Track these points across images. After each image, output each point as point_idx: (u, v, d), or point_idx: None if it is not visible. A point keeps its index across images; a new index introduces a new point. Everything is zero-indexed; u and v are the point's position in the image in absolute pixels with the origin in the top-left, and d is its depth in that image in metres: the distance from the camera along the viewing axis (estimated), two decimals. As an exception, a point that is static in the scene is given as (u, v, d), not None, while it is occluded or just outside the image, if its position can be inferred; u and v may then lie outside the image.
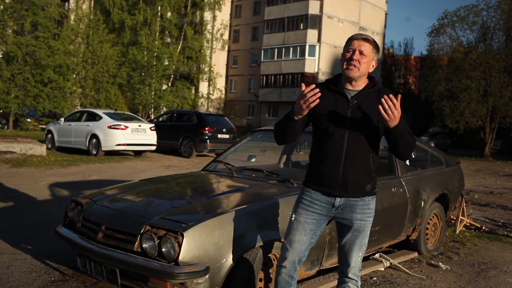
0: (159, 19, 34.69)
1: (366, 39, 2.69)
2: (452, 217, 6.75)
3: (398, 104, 2.49)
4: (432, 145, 28.23)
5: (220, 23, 38.89)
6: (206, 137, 16.52)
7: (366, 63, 2.70)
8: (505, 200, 10.55)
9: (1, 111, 25.70)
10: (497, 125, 29.84)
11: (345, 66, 2.71)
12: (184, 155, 16.89)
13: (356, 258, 2.83)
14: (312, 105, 2.57)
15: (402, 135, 2.62)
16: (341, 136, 2.70)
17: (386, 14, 51.14)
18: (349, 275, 2.85)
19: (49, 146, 16.09)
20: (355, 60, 2.66)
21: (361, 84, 2.75)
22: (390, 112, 2.49)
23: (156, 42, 32.37)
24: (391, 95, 2.51)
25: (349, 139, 2.70)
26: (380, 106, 2.49)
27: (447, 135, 38.83)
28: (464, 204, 6.64)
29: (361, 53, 2.67)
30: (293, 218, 2.85)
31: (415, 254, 5.31)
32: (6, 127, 25.74)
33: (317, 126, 2.78)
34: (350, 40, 2.73)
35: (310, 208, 2.80)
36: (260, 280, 3.42)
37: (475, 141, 34.69)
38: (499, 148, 33.80)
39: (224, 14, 43.38)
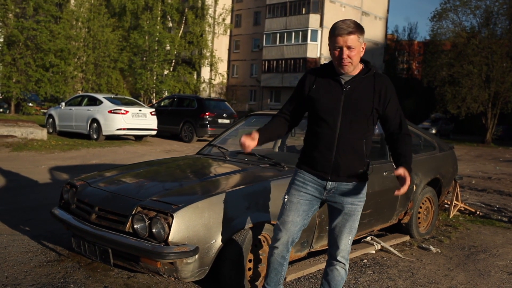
0: (160, 3, 34.53)
1: (350, 32, 2.63)
2: (446, 201, 6.82)
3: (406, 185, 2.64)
4: (433, 131, 28.02)
5: (222, 8, 38.69)
6: (207, 122, 16.59)
7: (356, 54, 2.68)
8: (502, 185, 10.60)
9: (2, 95, 25.76)
10: (499, 111, 29.77)
11: (337, 64, 2.71)
12: (185, 139, 16.97)
13: (346, 242, 2.87)
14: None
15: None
16: (334, 121, 2.73)
17: (389, -2, 50.71)
18: (338, 258, 2.88)
19: (50, 131, 16.19)
20: (346, 57, 2.66)
21: (355, 70, 2.76)
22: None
23: (158, 27, 32.28)
24: (407, 180, 2.63)
25: (342, 124, 2.72)
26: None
27: (449, 121, 38.75)
28: (459, 189, 6.71)
29: (349, 48, 2.64)
30: (286, 199, 2.89)
31: (407, 238, 5.39)
32: (8, 111, 25.82)
33: (312, 111, 2.81)
34: (333, 36, 2.66)
35: (303, 189, 2.84)
36: (250, 261, 3.50)
37: (476, 126, 34.67)
38: (501, 134, 33.72)
39: (225, -1, 43.16)
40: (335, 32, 2.65)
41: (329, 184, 2.80)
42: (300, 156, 2.93)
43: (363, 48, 2.72)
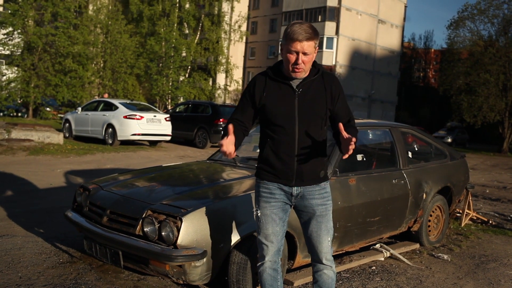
0: (177, 10, 34.88)
1: (308, 38, 2.58)
2: (458, 210, 6.79)
3: (354, 143, 2.52)
4: (449, 139, 27.69)
5: (238, 15, 38.94)
6: (221, 128, 16.65)
7: (310, 60, 2.66)
8: (517, 195, 10.50)
9: (21, 100, 26.16)
10: (516, 121, 29.48)
11: (291, 69, 2.66)
12: (199, 145, 17.07)
13: (326, 244, 2.81)
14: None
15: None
16: (291, 127, 2.69)
17: (405, 6, 50.60)
18: (324, 261, 2.84)
19: (67, 135, 16.40)
20: (301, 63, 2.62)
21: (304, 73, 2.73)
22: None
23: (174, 33, 32.59)
24: (353, 139, 2.50)
25: (300, 128, 2.68)
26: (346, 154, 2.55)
27: (465, 130, 38.45)
28: (470, 198, 6.67)
29: (305, 54, 2.61)
30: (259, 214, 2.82)
31: (417, 246, 5.38)
32: (26, 115, 26.20)
33: (265, 117, 2.75)
34: (291, 40, 2.59)
35: (272, 199, 2.79)
36: (257, 265, 3.54)
37: (493, 136, 34.34)
38: (518, 143, 33.35)
39: (242, 6, 43.44)
40: (294, 36, 2.58)
41: (295, 190, 2.77)
42: (260, 165, 2.85)
43: (315, 53, 2.70)
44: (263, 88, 2.73)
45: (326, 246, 2.82)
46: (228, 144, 2.55)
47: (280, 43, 2.74)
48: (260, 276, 2.88)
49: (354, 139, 2.50)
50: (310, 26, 2.62)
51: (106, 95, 22.44)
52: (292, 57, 2.62)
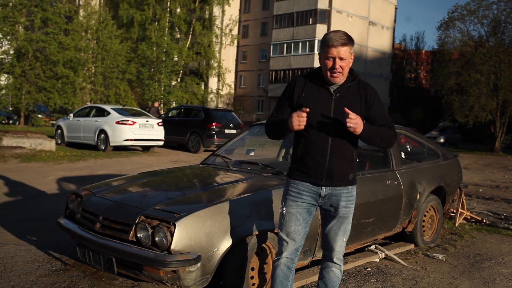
0: (168, 14, 34.88)
1: (343, 44, 2.72)
2: (451, 210, 6.81)
3: (353, 113, 2.67)
4: (442, 140, 27.83)
5: (229, 18, 38.97)
6: (213, 133, 16.65)
7: (347, 65, 2.77)
8: (510, 194, 10.54)
9: (12, 107, 26.00)
10: (508, 119, 29.59)
11: (329, 74, 2.77)
12: (192, 150, 17.04)
13: (340, 243, 2.93)
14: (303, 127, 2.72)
15: (373, 135, 2.80)
16: (326, 128, 2.79)
17: (396, 8, 50.83)
18: (334, 259, 2.95)
19: (59, 142, 16.31)
20: (338, 67, 2.74)
21: (342, 78, 2.84)
22: (353, 124, 2.66)
23: (165, 38, 32.58)
24: (345, 109, 2.68)
25: (334, 130, 2.79)
26: (347, 125, 2.67)
27: (457, 130, 38.63)
28: (464, 197, 6.69)
29: (341, 59, 2.73)
30: (284, 211, 2.92)
31: (412, 246, 5.39)
32: (17, 122, 26.04)
33: None
34: (327, 47, 2.73)
35: (299, 200, 2.89)
36: (252, 269, 3.52)
37: (485, 135, 34.52)
38: (510, 142, 33.56)
39: (233, 9, 43.45)
40: (329, 43, 2.73)
41: (323, 190, 2.86)
42: (292, 164, 2.96)
43: (351, 59, 2.81)
44: (302, 88, 2.86)
45: (340, 246, 2.94)
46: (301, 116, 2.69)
47: (318, 53, 2.85)
48: (273, 271, 2.95)
49: (358, 120, 2.66)
50: (344, 33, 2.76)
51: (156, 104, 23.15)
52: (329, 63, 2.76)
